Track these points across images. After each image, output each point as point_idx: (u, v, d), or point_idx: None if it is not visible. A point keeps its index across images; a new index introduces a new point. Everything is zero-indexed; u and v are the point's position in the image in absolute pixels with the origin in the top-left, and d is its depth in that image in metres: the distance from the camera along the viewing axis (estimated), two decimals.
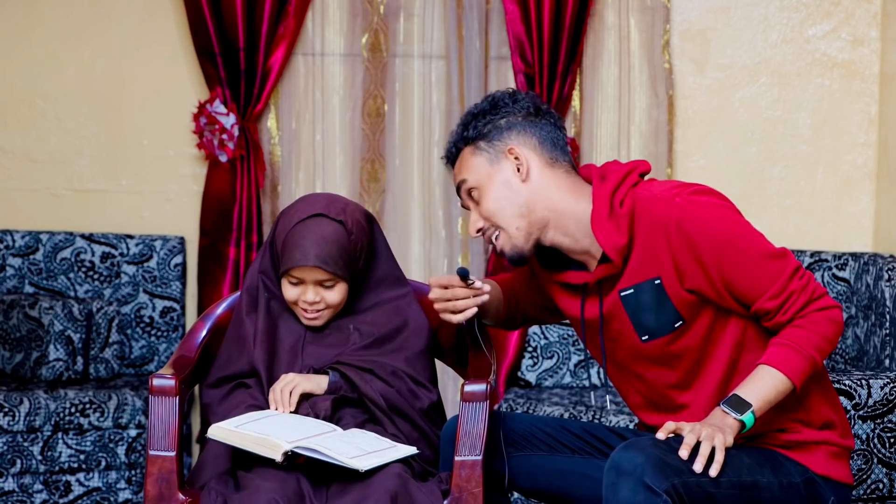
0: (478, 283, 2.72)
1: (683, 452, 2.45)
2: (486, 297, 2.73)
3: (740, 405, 2.49)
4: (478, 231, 2.64)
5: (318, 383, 2.82)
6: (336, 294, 2.86)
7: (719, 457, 2.45)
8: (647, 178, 2.65)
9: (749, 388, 2.50)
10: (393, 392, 2.83)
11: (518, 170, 2.60)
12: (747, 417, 2.48)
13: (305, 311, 2.87)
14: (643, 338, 2.59)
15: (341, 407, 2.83)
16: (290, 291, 2.87)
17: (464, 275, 2.71)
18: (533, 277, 2.80)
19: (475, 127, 2.63)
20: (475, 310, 2.74)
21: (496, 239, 2.64)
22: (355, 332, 2.89)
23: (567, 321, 2.92)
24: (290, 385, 2.79)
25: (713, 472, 2.44)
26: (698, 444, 2.47)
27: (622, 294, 2.57)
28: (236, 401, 2.84)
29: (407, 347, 2.88)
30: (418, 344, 2.89)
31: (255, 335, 2.88)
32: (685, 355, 2.60)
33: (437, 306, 2.75)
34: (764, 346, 2.57)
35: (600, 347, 2.66)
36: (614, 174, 2.59)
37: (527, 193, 2.60)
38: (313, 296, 2.85)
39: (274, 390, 2.79)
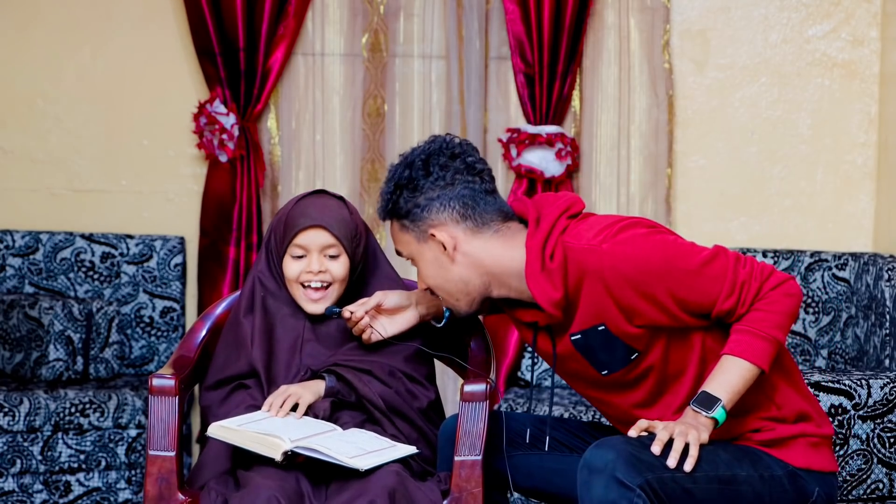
0: (347, 314, 2.80)
1: (656, 448, 2.46)
2: (363, 326, 2.80)
3: (710, 401, 2.49)
4: (424, 290, 2.73)
5: (316, 391, 2.81)
6: (340, 266, 2.86)
7: (693, 451, 2.46)
8: (581, 215, 2.64)
9: (717, 383, 2.50)
10: (391, 392, 2.82)
11: (445, 249, 2.61)
12: (718, 414, 2.49)
13: (309, 283, 2.85)
14: (603, 372, 2.63)
15: (340, 408, 2.83)
16: (293, 266, 2.86)
17: (330, 314, 2.84)
18: None
19: (398, 203, 2.62)
20: (367, 335, 2.81)
21: (442, 302, 2.72)
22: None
23: None
24: (294, 397, 2.77)
25: (687, 466, 2.45)
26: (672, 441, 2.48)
27: (573, 339, 2.61)
28: (235, 402, 2.84)
29: (405, 348, 2.88)
30: (411, 346, 2.89)
31: (252, 335, 2.87)
32: (647, 377, 2.62)
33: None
34: None
35: (544, 365, 2.70)
36: (546, 220, 2.59)
37: (459, 269, 2.63)
38: (318, 265, 2.84)
39: (275, 396, 2.78)
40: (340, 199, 2.92)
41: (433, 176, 2.59)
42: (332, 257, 2.85)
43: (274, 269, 2.90)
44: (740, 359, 2.50)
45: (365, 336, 2.84)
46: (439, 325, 2.86)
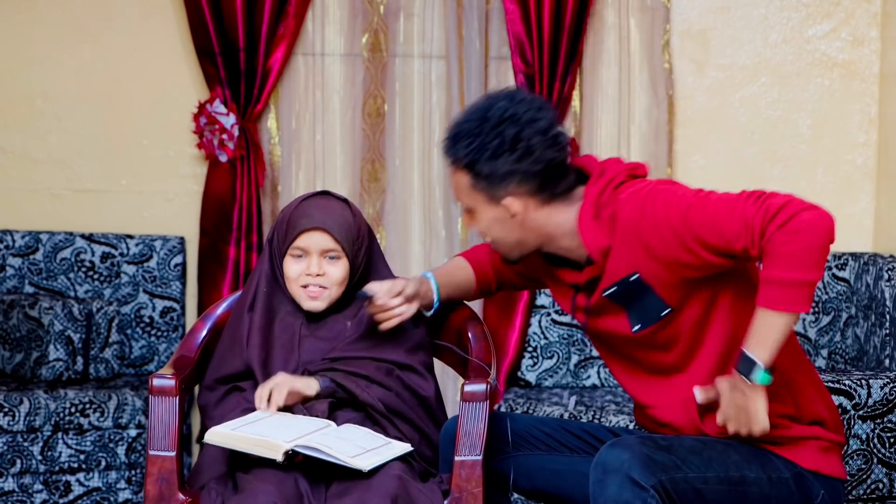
0: (383, 301, 2.79)
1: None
2: (401, 311, 2.81)
3: (748, 365, 2.45)
4: (471, 228, 2.70)
5: (308, 384, 2.82)
6: (339, 269, 2.86)
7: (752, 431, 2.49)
8: (642, 177, 2.66)
9: (753, 340, 2.46)
10: (391, 395, 2.83)
11: (513, 216, 2.62)
12: (760, 378, 2.45)
13: (307, 285, 2.86)
14: (634, 328, 2.61)
15: (339, 408, 2.83)
16: (293, 267, 2.87)
17: (362, 297, 2.81)
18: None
19: (477, 162, 2.58)
20: (396, 320, 2.81)
21: (493, 245, 2.72)
22: (351, 324, 2.89)
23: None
24: (281, 386, 2.77)
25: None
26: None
27: (605, 293, 2.60)
28: (230, 405, 2.84)
29: (406, 338, 2.89)
30: (416, 335, 2.90)
31: (250, 331, 2.88)
32: (678, 340, 2.60)
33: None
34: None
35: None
36: (607, 174, 2.61)
37: (519, 233, 2.64)
38: (317, 267, 2.85)
39: (262, 387, 2.78)
40: (345, 201, 2.92)
41: (520, 152, 2.56)
42: (332, 259, 2.86)
43: (276, 266, 2.91)
44: (769, 310, 2.45)
45: (389, 324, 2.83)
46: (429, 314, 2.89)
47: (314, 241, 2.85)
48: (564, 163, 2.62)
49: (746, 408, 2.48)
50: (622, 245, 2.56)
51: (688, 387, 2.60)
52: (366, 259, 2.92)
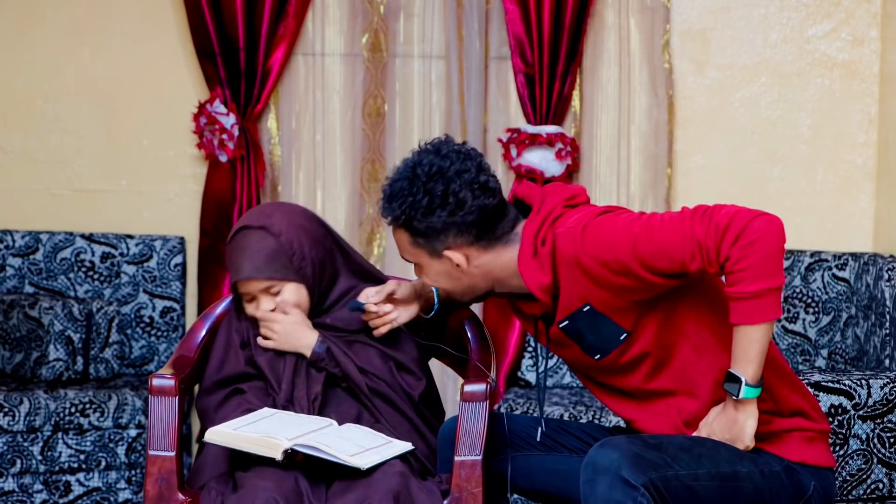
0: (374, 308, 2.84)
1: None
2: (391, 318, 2.86)
3: (733, 381, 2.51)
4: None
5: (308, 343, 2.86)
6: (290, 294, 2.88)
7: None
8: (581, 204, 2.66)
9: (735, 357, 2.51)
10: (383, 384, 2.84)
11: (458, 266, 2.63)
12: (746, 393, 2.50)
13: (266, 321, 2.88)
14: (595, 357, 2.64)
15: (330, 386, 2.85)
16: (248, 308, 2.91)
17: (355, 309, 2.85)
18: None
19: (413, 220, 2.60)
20: (389, 326, 2.87)
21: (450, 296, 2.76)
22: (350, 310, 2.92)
23: None
24: (283, 332, 2.82)
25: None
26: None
27: (561, 326, 2.62)
28: (231, 407, 2.84)
29: (403, 337, 2.89)
30: (410, 338, 2.91)
31: (251, 332, 2.89)
32: (642, 362, 2.63)
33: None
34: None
35: (546, 368, 2.79)
36: (545, 208, 2.62)
37: (468, 279, 2.66)
38: (268, 304, 2.88)
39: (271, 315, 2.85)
40: (262, 228, 2.88)
41: (451, 206, 2.58)
42: (277, 292, 2.88)
43: None
44: (745, 325, 2.49)
45: (380, 330, 2.87)
46: (428, 316, 2.90)
47: (251, 287, 2.88)
48: (500, 206, 2.63)
49: (735, 423, 2.54)
50: (567, 279, 2.57)
51: (664, 401, 2.63)
52: (320, 262, 2.91)
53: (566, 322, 2.60)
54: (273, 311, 2.87)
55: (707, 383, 2.61)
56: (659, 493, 2.45)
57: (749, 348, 2.50)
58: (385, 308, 2.85)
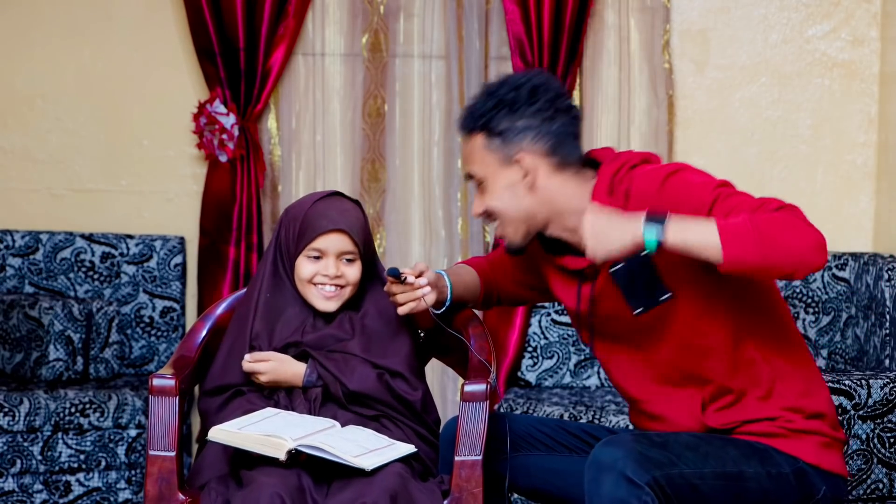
0: (412, 280, 2.74)
1: None
2: (425, 292, 2.75)
3: (656, 222, 2.42)
4: (479, 214, 2.69)
5: (295, 374, 2.83)
6: (355, 271, 2.86)
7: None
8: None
9: (681, 219, 2.42)
10: (375, 405, 2.83)
11: (525, 177, 2.62)
12: (648, 233, 2.41)
13: (324, 284, 2.85)
14: (636, 311, 2.56)
15: (328, 401, 2.84)
16: (308, 267, 2.85)
17: (393, 274, 2.74)
18: (527, 257, 2.81)
19: (494, 118, 2.62)
20: (416, 304, 2.76)
21: (497, 226, 2.70)
22: (357, 323, 2.90)
23: (549, 302, 2.94)
24: (268, 367, 2.80)
25: None
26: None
27: (612, 270, 2.55)
28: (232, 408, 2.84)
29: (401, 344, 2.89)
30: (410, 342, 2.90)
31: (256, 307, 2.88)
32: (673, 335, 2.59)
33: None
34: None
35: (590, 329, 2.68)
36: (623, 156, 2.64)
37: (530, 202, 2.63)
38: (334, 269, 2.84)
39: (253, 355, 2.81)
40: (357, 203, 2.92)
41: (537, 105, 2.60)
42: (349, 262, 2.86)
43: (284, 268, 2.90)
44: (714, 226, 2.40)
45: (405, 307, 2.77)
46: (438, 312, 2.86)
47: (332, 242, 2.84)
48: (577, 134, 2.65)
49: (615, 235, 2.43)
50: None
51: (691, 390, 2.60)
52: (371, 256, 2.93)
53: (620, 265, 2.52)
54: (337, 276, 2.83)
55: (758, 390, 2.57)
56: (663, 491, 2.44)
57: (694, 231, 2.40)
58: (421, 281, 2.75)
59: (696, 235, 2.41)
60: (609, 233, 2.45)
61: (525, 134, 2.60)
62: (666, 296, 2.54)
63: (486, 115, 2.62)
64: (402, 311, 2.78)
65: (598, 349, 2.74)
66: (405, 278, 2.74)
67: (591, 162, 2.68)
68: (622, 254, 2.45)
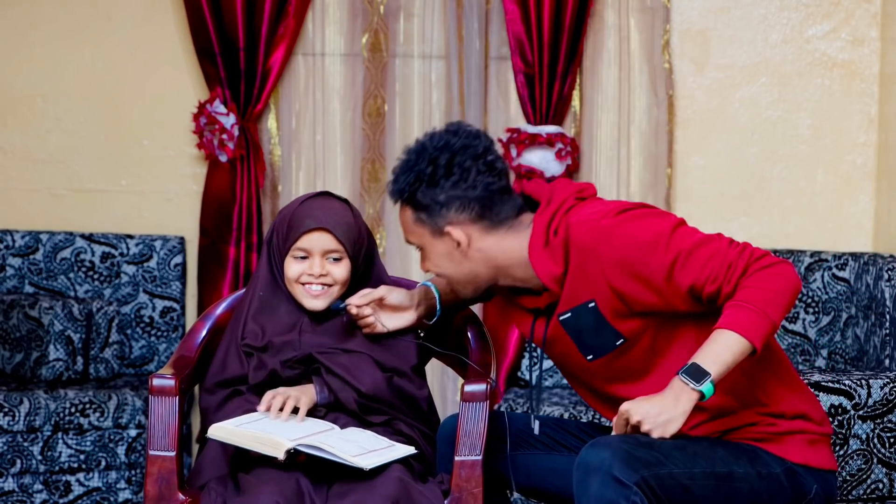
0: (354, 311, 2.82)
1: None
2: (369, 322, 2.84)
3: (699, 374, 2.44)
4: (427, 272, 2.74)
5: (312, 398, 2.81)
6: (341, 270, 2.86)
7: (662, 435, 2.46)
8: (591, 198, 2.65)
9: (706, 354, 2.45)
10: (383, 391, 2.83)
11: (459, 246, 2.62)
12: (706, 388, 2.44)
13: (310, 283, 2.85)
14: (588, 357, 2.62)
15: (336, 410, 2.83)
16: (294, 267, 2.86)
17: (336, 308, 2.85)
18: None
19: (416, 194, 2.61)
20: (371, 328, 2.85)
21: (448, 283, 2.75)
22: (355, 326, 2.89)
23: None
24: (293, 400, 2.76)
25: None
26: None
27: (561, 318, 2.60)
28: (232, 407, 2.83)
29: (402, 346, 2.89)
30: (410, 345, 2.90)
31: (249, 306, 2.88)
32: (633, 369, 2.61)
33: None
34: None
35: (544, 365, 2.72)
36: (556, 200, 2.62)
37: (470, 266, 2.65)
38: (319, 268, 2.84)
39: (273, 396, 2.76)
40: (345, 202, 2.92)
41: (455, 177, 2.59)
42: (335, 260, 2.86)
43: (275, 268, 2.90)
44: (730, 331, 2.45)
45: (367, 329, 2.86)
46: (430, 323, 2.88)
47: (316, 241, 2.84)
48: (504, 189, 2.63)
49: (675, 409, 2.45)
50: (578, 270, 2.56)
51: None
52: (365, 263, 2.92)
53: (568, 314, 2.58)
54: (322, 275, 2.84)
55: (736, 403, 2.60)
56: (653, 491, 2.43)
57: (724, 353, 2.44)
58: (364, 311, 2.82)
59: (729, 355, 2.45)
60: (669, 415, 2.46)
61: (449, 206, 2.60)
62: (620, 341, 2.57)
63: (407, 191, 2.62)
64: (365, 332, 2.86)
65: (567, 380, 2.79)
66: (345, 308, 2.83)
67: (528, 201, 2.67)
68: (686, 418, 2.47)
